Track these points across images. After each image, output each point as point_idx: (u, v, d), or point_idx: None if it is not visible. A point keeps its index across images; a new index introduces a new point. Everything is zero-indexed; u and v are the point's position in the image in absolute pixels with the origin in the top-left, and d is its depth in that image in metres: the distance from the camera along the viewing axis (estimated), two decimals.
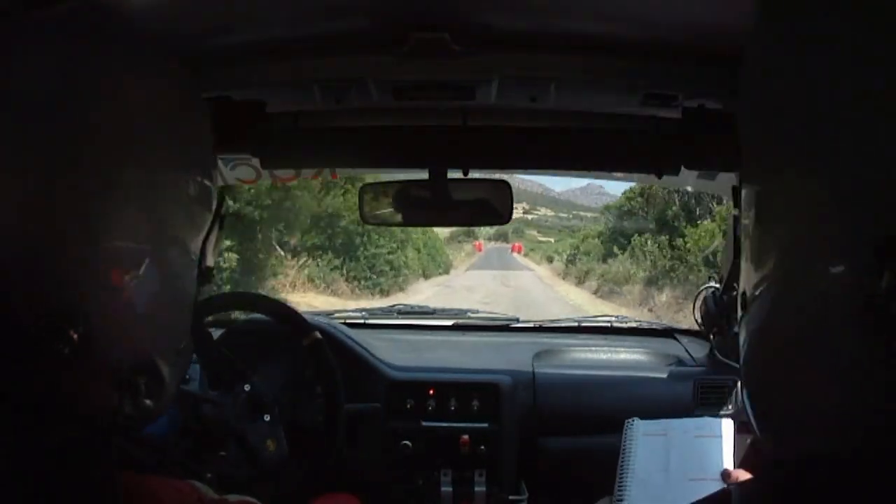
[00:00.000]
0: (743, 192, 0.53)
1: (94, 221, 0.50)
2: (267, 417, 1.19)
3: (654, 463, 1.14)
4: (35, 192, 0.48)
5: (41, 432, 0.53)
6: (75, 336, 0.49)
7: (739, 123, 0.53)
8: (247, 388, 1.21)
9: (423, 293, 13.81)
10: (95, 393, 0.54)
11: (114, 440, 0.56)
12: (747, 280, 0.51)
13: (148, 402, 0.56)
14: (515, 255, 41.27)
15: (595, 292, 15.70)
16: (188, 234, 0.58)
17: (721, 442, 1.14)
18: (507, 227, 55.91)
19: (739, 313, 0.52)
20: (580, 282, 18.84)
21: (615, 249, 17.11)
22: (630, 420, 1.20)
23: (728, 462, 1.11)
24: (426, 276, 18.03)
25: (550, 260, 33.58)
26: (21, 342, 0.49)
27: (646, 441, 1.17)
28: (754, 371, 0.52)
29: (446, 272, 22.43)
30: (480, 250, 42.32)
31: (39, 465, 0.52)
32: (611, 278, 15.60)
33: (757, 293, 0.49)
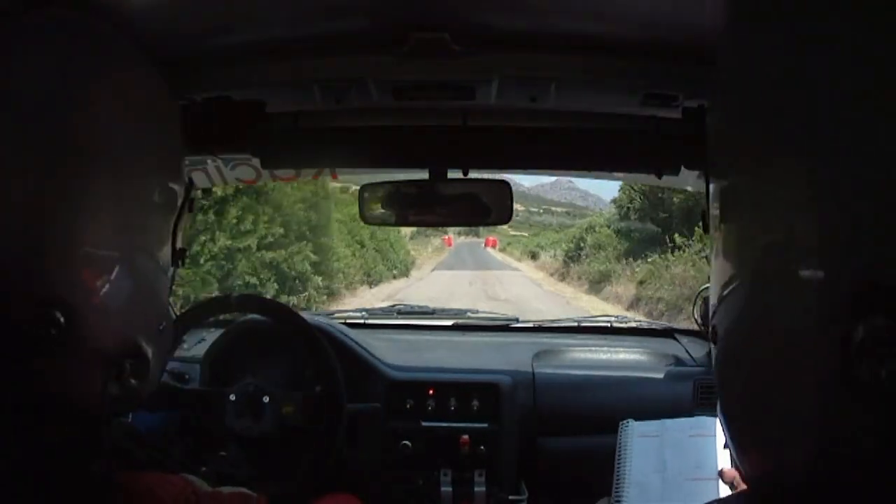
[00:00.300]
0: (710, 190, 0.52)
1: (69, 210, 0.52)
2: (266, 399, 1.19)
3: (651, 464, 1.14)
4: (12, 183, 0.50)
5: (36, 428, 0.54)
6: (61, 318, 0.50)
7: (710, 122, 0.53)
8: (248, 387, 1.21)
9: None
10: (84, 376, 0.55)
11: (111, 437, 0.57)
12: (717, 283, 0.50)
13: (134, 382, 0.59)
14: (490, 250, 37.81)
15: (635, 306, 10.79)
16: (160, 220, 0.62)
17: (716, 441, 1.13)
18: None
19: (711, 319, 0.52)
20: (596, 287, 13.74)
21: (636, 247, 13.30)
22: (624, 421, 1.20)
23: (725, 461, 1.11)
24: (371, 283, 13.52)
25: (534, 256, 28.99)
26: (8, 329, 0.50)
27: (641, 442, 1.17)
28: (727, 385, 0.51)
29: (404, 274, 17.44)
30: (450, 245, 37.50)
31: (36, 464, 0.53)
32: (664, 289, 10.38)
33: (725, 296, 0.48)
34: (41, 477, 0.52)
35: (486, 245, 40.11)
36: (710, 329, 0.51)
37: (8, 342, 0.51)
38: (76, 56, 0.54)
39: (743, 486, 1.03)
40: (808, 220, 0.39)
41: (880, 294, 0.35)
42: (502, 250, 40.74)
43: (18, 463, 0.52)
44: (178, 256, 0.67)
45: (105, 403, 0.55)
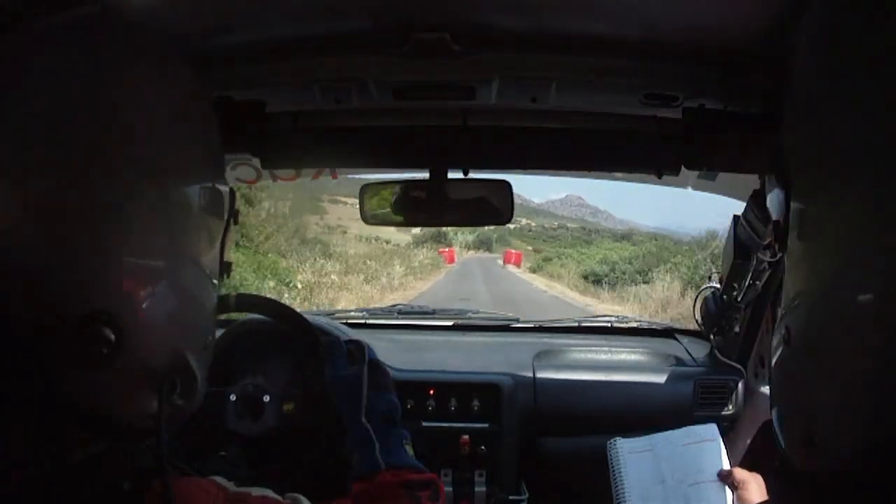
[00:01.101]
0: (791, 199, 0.53)
1: (116, 224, 0.51)
2: (267, 398, 1.19)
3: (649, 478, 1.14)
4: (57, 196, 0.49)
5: (75, 441, 0.53)
6: (111, 335, 0.49)
7: (785, 132, 0.53)
8: (249, 386, 1.21)
9: None
10: (136, 393, 0.54)
11: (164, 456, 0.55)
12: (788, 296, 0.52)
13: (180, 401, 0.58)
14: (514, 271, 26.48)
15: None
16: (207, 232, 0.60)
17: (711, 445, 1.14)
18: (491, 234, 45.87)
19: (777, 339, 0.53)
20: None
21: None
22: (612, 441, 1.20)
23: (724, 462, 1.11)
24: None
25: (597, 280, 18.70)
26: (56, 345, 0.49)
27: (633, 459, 1.17)
28: (788, 389, 0.52)
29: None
30: (452, 262, 27.03)
31: (71, 475, 0.52)
32: None
33: (797, 308, 0.50)
34: (75, 492, 0.52)
35: (504, 262, 29.53)
36: (784, 329, 0.52)
37: (57, 360, 0.49)
38: (110, 58, 0.53)
39: (747, 484, 1.03)
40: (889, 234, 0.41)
41: None
42: (535, 270, 27.79)
43: (56, 478, 0.51)
44: (224, 269, 0.65)
45: (161, 422, 0.54)
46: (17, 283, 0.48)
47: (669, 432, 1.19)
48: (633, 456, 1.17)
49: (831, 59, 0.46)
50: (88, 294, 0.50)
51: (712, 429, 1.16)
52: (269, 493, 0.66)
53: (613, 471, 1.16)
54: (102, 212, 0.50)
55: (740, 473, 1.06)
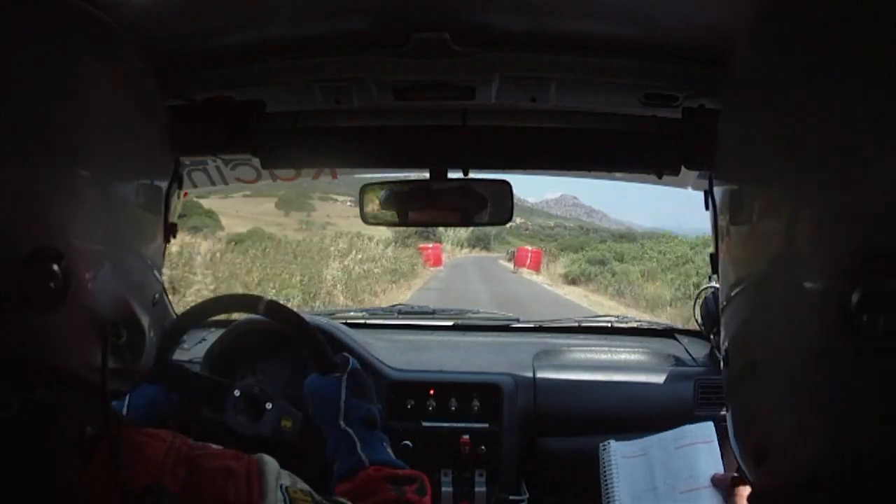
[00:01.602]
0: (720, 194, 0.53)
1: (60, 168, 0.53)
2: (269, 405, 1.19)
3: (641, 483, 1.13)
4: (6, 142, 0.50)
5: (31, 387, 0.54)
6: (58, 271, 0.51)
7: (723, 124, 0.53)
8: (250, 386, 1.21)
9: None
10: (83, 338, 0.56)
11: (110, 410, 0.56)
12: (725, 287, 0.51)
13: (130, 356, 0.60)
14: (533, 277, 18.98)
15: None
16: (152, 193, 0.65)
17: (704, 447, 1.12)
18: (489, 231, 44.03)
19: (723, 322, 0.52)
20: None
21: None
22: (604, 443, 1.19)
23: (716, 466, 1.10)
24: None
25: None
26: (3, 284, 0.50)
27: (626, 463, 1.15)
28: (734, 391, 0.52)
29: None
30: (438, 264, 20.15)
31: (27, 421, 0.53)
32: None
33: (734, 299, 0.49)
34: (30, 434, 0.53)
35: (517, 264, 21.22)
36: (724, 351, 0.51)
37: (4, 298, 0.50)
38: (65, 41, 0.55)
39: (741, 490, 1.03)
40: (811, 221, 0.40)
41: (876, 261, 0.36)
42: (576, 282, 17.88)
43: (10, 420, 0.52)
44: (170, 231, 0.70)
45: (105, 370, 0.55)
46: None
47: (663, 434, 1.17)
48: (625, 460, 1.15)
49: (774, 54, 0.46)
50: (36, 232, 0.52)
51: (708, 428, 1.14)
52: (232, 451, 0.66)
53: (604, 475, 1.15)
54: (49, 157, 0.52)
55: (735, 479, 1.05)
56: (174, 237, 0.71)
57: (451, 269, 21.17)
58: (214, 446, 0.64)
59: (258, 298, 1.18)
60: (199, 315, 1.26)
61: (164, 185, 0.68)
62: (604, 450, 1.18)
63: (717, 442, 1.13)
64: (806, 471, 0.43)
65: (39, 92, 0.52)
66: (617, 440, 1.20)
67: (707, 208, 0.79)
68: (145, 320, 0.62)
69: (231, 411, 1.18)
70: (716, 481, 1.07)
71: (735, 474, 1.05)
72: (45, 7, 0.54)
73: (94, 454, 0.55)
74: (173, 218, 0.70)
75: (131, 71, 0.62)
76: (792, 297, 0.41)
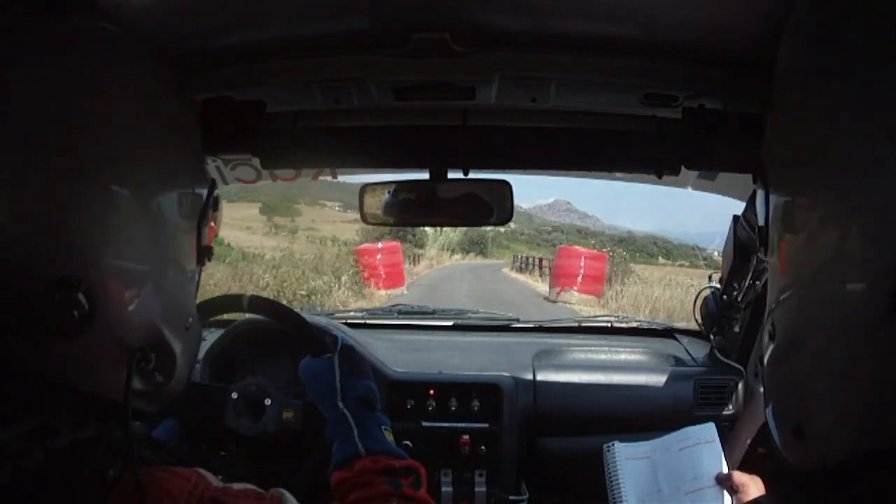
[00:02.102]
0: (771, 200, 0.53)
1: (93, 197, 0.52)
2: (268, 402, 1.19)
3: (646, 485, 1.13)
4: (29, 167, 0.50)
5: (54, 418, 0.53)
6: (84, 301, 0.50)
7: (771, 130, 0.53)
8: (250, 386, 1.21)
9: None
10: (107, 364, 0.55)
11: (131, 436, 0.56)
12: (773, 292, 0.53)
13: (160, 378, 0.59)
14: (579, 304, 10.87)
15: None
16: (186, 216, 0.63)
17: (708, 447, 1.13)
18: (485, 236, 43.24)
19: (765, 337, 0.54)
20: None
21: None
22: (609, 444, 1.19)
23: (719, 465, 1.10)
24: None
25: None
26: (28, 311, 0.50)
27: (630, 465, 1.16)
28: (778, 367, 0.53)
29: None
30: (397, 284, 12.51)
31: (58, 461, 0.52)
32: None
33: (784, 302, 0.50)
34: (52, 472, 0.52)
35: (556, 282, 12.51)
36: (770, 325, 0.53)
37: (30, 324, 0.50)
38: (88, 62, 0.54)
39: (747, 488, 1.03)
40: (866, 226, 0.42)
41: None
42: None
43: (31, 459, 0.51)
44: (204, 254, 0.68)
45: (128, 393, 0.55)
46: None
47: (666, 437, 1.18)
48: (630, 462, 1.16)
49: (810, 63, 0.47)
50: (61, 260, 0.51)
51: (710, 429, 1.15)
52: (251, 487, 0.66)
53: (609, 476, 1.16)
54: (76, 182, 0.52)
55: (739, 477, 1.05)
56: (209, 260, 0.69)
57: (427, 289, 12.83)
58: (237, 486, 0.63)
59: (240, 296, 1.18)
60: None
61: (198, 207, 0.66)
62: (608, 451, 1.18)
63: (719, 442, 1.13)
64: (845, 449, 0.45)
65: (59, 117, 0.51)
66: (618, 440, 1.20)
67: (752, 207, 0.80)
68: (177, 344, 0.61)
69: (231, 414, 1.18)
70: (720, 480, 1.07)
71: (738, 471, 1.05)
72: (56, 29, 0.53)
73: (115, 496, 0.54)
74: (208, 241, 0.69)
75: (153, 84, 0.62)
76: (845, 282, 0.43)
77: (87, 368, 0.54)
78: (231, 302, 1.21)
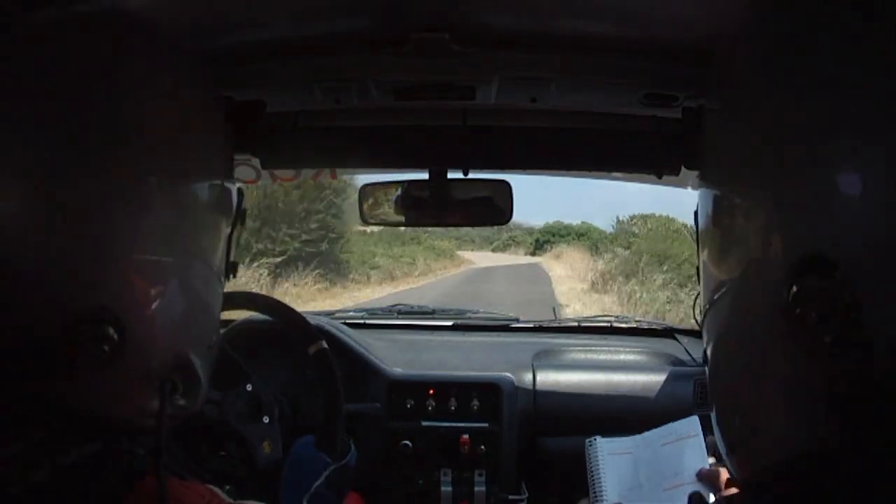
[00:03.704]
0: (700, 191, 0.54)
1: (121, 222, 0.50)
2: (266, 419, 1.19)
3: (627, 481, 1.13)
4: (59, 194, 0.48)
5: (72, 441, 0.52)
6: (114, 334, 0.48)
7: (707, 123, 0.54)
8: (248, 387, 1.21)
9: None
10: (137, 393, 0.54)
11: (168, 458, 0.54)
12: (706, 283, 0.53)
13: (184, 401, 0.57)
14: None
15: None
16: (214, 230, 0.59)
17: (689, 443, 1.12)
18: (526, 238, 42.59)
19: (699, 317, 0.54)
20: None
21: None
22: (591, 439, 1.19)
23: (701, 460, 1.09)
24: None
25: None
26: (57, 344, 0.48)
27: (612, 460, 1.16)
28: (713, 387, 0.54)
29: None
30: None
31: (66, 477, 0.51)
32: None
33: (713, 298, 0.51)
34: (60, 486, 0.51)
35: None
36: (705, 333, 0.54)
37: (58, 360, 0.49)
38: (117, 56, 0.52)
39: (725, 484, 1.02)
40: (770, 225, 0.42)
41: (815, 263, 0.38)
42: None
43: (53, 481, 0.50)
44: (231, 269, 0.65)
45: (162, 423, 0.53)
46: (18, 281, 0.47)
47: (649, 433, 1.17)
48: (612, 458, 1.16)
49: (761, 56, 0.46)
50: (89, 292, 0.49)
51: (693, 423, 1.14)
52: None
53: (591, 471, 1.16)
54: (104, 208, 0.49)
55: (722, 473, 1.04)
56: (234, 276, 0.66)
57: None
58: (249, 502, 0.63)
59: (245, 294, 1.19)
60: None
61: (228, 221, 0.62)
62: (590, 446, 1.18)
63: (702, 436, 1.12)
64: (763, 460, 0.46)
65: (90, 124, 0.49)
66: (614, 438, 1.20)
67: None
68: (201, 368, 0.59)
69: (231, 415, 1.18)
70: (701, 477, 1.06)
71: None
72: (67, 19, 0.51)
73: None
74: (235, 255, 0.65)
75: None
76: (748, 298, 0.44)
77: (113, 398, 0.53)
78: (237, 301, 1.22)
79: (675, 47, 0.82)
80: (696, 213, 0.58)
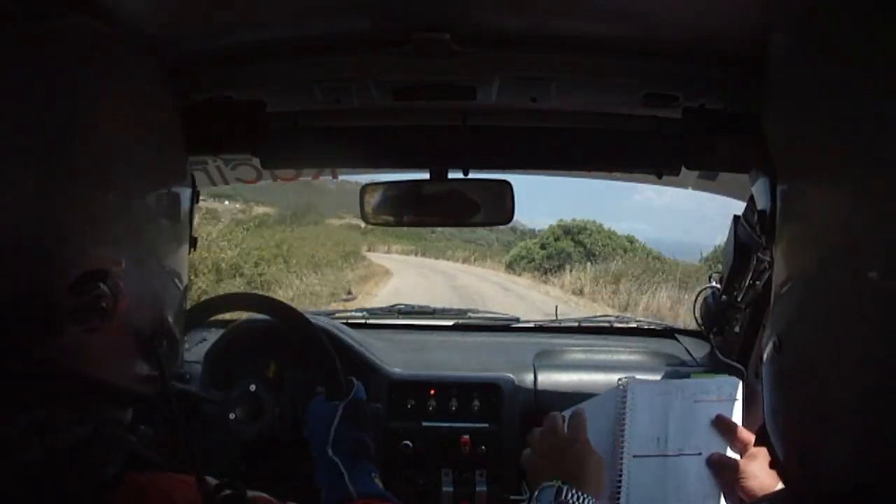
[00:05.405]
0: (778, 196, 0.52)
1: (100, 205, 0.54)
2: (267, 401, 1.20)
3: (651, 431, 1.05)
4: (45, 183, 0.51)
5: (64, 422, 0.53)
6: (108, 291, 0.52)
7: (769, 127, 0.53)
8: (252, 388, 1.21)
9: None
10: (131, 356, 0.58)
11: (177, 417, 0.60)
12: (776, 297, 0.50)
13: (167, 363, 0.62)
14: None
15: None
16: (175, 214, 0.65)
17: (721, 407, 1.05)
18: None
19: (768, 347, 0.51)
20: None
21: None
22: (622, 379, 1.09)
23: (726, 432, 1.04)
24: None
25: None
26: (61, 304, 0.51)
27: (644, 404, 1.06)
28: (780, 401, 0.50)
29: None
30: None
31: (57, 459, 0.52)
32: None
33: (786, 312, 0.48)
34: (49, 467, 0.52)
35: None
36: (775, 336, 0.49)
37: (61, 320, 0.51)
38: (79, 60, 0.55)
39: (754, 457, 0.99)
40: (874, 222, 0.39)
41: None
42: None
43: (29, 453, 0.51)
44: (192, 243, 0.71)
45: (164, 375, 0.59)
46: (24, 254, 0.50)
47: (688, 381, 1.09)
48: (643, 402, 1.06)
49: (811, 55, 0.46)
50: (83, 258, 0.52)
51: (732, 384, 1.06)
52: (263, 495, 0.66)
53: (619, 414, 1.07)
54: (87, 198, 0.53)
55: (754, 443, 0.98)
56: (195, 249, 0.73)
57: None
58: (249, 493, 0.63)
59: (248, 295, 1.19)
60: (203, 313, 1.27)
61: (187, 195, 0.69)
62: (625, 389, 1.08)
63: (739, 401, 1.06)
64: (854, 477, 0.41)
65: (58, 117, 0.52)
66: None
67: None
68: (178, 329, 0.64)
69: (231, 414, 1.18)
70: (713, 462, 1.03)
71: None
72: (54, 28, 0.54)
73: (121, 496, 0.54)
74: (194, 232, 0.72)
75: (146, 78, 0.63)
76: (859, 294, 0.40)
77: (115, 359, 0.57)
78: (239, 301, 1.22)
79: (676, 47, 0.82)
80: (735, 218, 0.56)
